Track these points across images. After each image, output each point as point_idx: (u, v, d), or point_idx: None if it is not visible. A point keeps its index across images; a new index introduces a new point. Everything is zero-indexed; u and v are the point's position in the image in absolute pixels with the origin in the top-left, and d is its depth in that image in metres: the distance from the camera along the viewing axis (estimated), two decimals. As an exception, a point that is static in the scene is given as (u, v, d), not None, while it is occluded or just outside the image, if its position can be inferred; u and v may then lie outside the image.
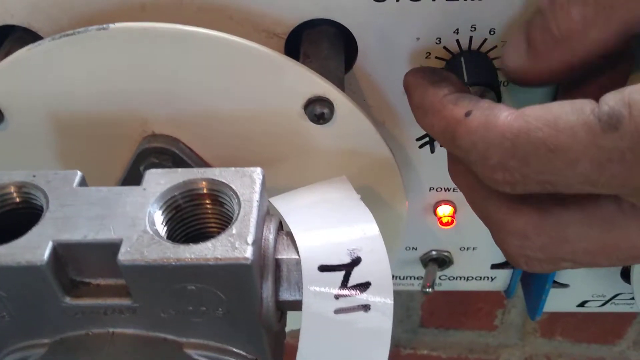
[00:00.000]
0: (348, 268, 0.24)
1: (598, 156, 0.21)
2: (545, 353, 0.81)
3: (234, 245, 0.22)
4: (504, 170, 0.23)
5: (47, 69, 0.29)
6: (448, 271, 0.46)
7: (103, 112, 0.30)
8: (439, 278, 0.47)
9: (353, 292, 0.24)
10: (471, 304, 0.75)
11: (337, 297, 0.24)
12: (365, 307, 0.24)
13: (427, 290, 0.44)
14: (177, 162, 0.31)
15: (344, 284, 0.24)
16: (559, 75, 0.25)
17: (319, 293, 0.24)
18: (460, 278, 0.47)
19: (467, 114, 0.24)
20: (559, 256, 0.24)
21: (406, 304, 0.75)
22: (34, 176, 0.25)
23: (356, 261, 0.24)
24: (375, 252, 0.25)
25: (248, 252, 0.21)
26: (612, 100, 0.21)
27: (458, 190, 0.30)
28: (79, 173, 0.25)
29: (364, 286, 0.24)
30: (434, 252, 0.44)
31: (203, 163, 0.32)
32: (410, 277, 0.47)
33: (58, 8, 0.31)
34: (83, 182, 0.25)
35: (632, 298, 0.44)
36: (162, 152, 0.31)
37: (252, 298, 0.23)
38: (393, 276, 0.47)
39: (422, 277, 0.46)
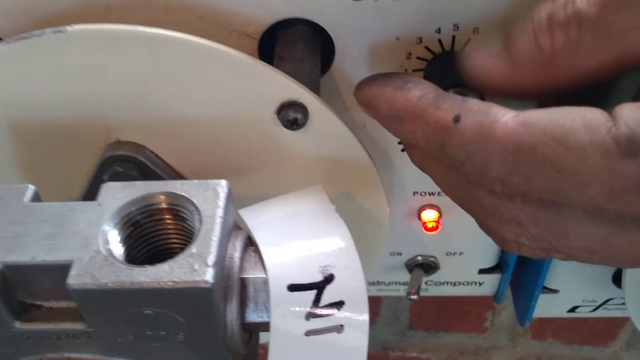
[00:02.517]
0: (320, 286, 0.23)
1: (611, 182, 0.19)
2: (536, 355, 0.79)
3: (192, 267, 0.20)
4: (504, 184, 0.21)
5: (2, 73, 0.27)
6: (435, 276, 0.45)
7: (63, 118, 0.29)
8: (425, 283, 0.45)
9: (325, 312, 0.22)
10: (461, 306, 0.73)
11: (307, 318, 0.22)
12: (339, 328, 0.22)
13: (413, 297, 0.42)
14: (144, 170, 0.29)
15: (316, 304, 0.22)
16: (533, 93, 0.23)
17: (288, 314, 0.22)
18: (447, 283, 0.45)
19: (456, 120, 0.22)
20: (554, 248, 0.22)
21: (394, 306, 0.74)
22: (-16, 191, 0.23)
23: (329, 279, 0.23)
24: (349, 269, 0.23)
25: (208, 275, 0.20)
26: (631, 120, 0.18)
27: (443, 194, 0.28)
28: (32, 187, 0.23)
29: (337, 305, 0.23)
30: (419, 258, 0.43)
31: (171, 171, 0.30)
32: (396, 283, 0.46)
33: (18, 8, 0.29)
34: (36, 197, 0.23)
35: (624, 303, 0.43)
36: (126, 160, 0.29)
37: (214, 322, 0.21)
38: (378, 282, 0.46)
39: (407, 283, 0.45)
